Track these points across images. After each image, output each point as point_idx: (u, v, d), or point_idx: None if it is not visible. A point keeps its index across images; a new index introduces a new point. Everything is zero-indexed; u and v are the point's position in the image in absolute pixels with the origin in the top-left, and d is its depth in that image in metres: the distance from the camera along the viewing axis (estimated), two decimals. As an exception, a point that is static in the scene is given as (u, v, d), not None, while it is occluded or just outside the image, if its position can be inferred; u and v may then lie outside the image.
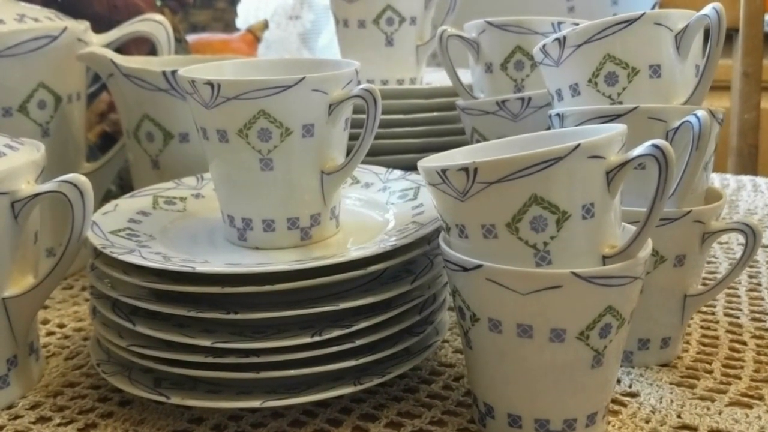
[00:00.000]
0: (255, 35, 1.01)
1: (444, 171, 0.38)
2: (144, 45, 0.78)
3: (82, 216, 0.44)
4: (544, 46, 0.49)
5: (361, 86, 0.44)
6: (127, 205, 0.51)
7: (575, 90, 0.48)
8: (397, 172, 0.56)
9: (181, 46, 0.81)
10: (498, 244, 0.37)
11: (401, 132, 0.66)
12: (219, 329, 0.42)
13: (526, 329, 0.37)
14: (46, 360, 0.51)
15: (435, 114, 0.67)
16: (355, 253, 0.41)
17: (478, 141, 0.60)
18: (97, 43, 0.66)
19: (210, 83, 0.43)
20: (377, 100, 0.44)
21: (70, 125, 0.65)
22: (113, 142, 0.81)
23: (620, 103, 0.47)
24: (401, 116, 0.66)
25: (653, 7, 0.83)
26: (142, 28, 0.68)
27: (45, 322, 0.57)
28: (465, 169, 0.37)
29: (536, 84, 0.58)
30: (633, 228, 0.39)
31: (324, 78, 0.44)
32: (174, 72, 0.58)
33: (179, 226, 0.50)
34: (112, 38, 0.67)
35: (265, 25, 1.03)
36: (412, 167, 0.66)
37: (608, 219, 0.38)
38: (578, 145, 0.36)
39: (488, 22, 0.58)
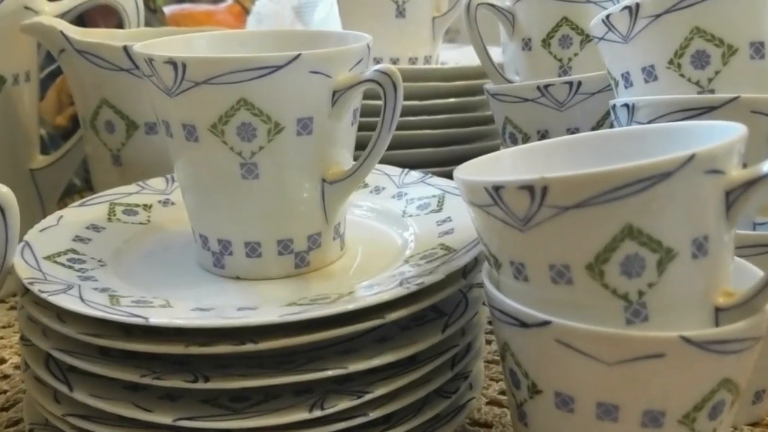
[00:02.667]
0: (243, 6, 0.90)
1: (497, 189, 0.27)
2: (112, 16, 0.66)
3: (4, 239, 0.33)
4: (608, 16, 0.38)
5: (376, 67, 0.33)
6: (74, 216, 0.40)
7: (650, 73, 0.37)
8: (415, 174, 0.45)
9: (156, 17, 0.69)
10: (573, 292, 0.27)
11: (416, 121, 0.55)
12: (185, 395, 0.31)
13: (610, 410, 0.27)
14: (-26, 412, 0.41)
15: (456, 100, 0.56)
16: (368, 296, 0.30)
17: (511, 134, 0.49)
18: (50, 12, 0.54)
19: (172, 62, 0.32)
20: (397, 86, 0.33)
21: (17, 111, 0.54)
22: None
23: (712, 91, 0.36)
24: (416, 102, 0.55)
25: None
26: (104, -6, 0.56)
27: (-20, 356, 0.46)
28: (529, 187, 0.26)
29: (586, 65, 0.47)
30: (748, 265, 0.29)
31: (326, 55, 0.33)
32: (138, 47, 0.46)
33: (139, 246, 0.39)
34: (68, 7, 0.55)
35: (255, -5, 0.91)
36: (428, 164, 0.55)
37: (724, 257, 0.27)
38: (693, 156, 0.25)
39: (527, -12, 0.47)
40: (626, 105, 0.37)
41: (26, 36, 0.52)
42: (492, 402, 0.41)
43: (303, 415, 0.29)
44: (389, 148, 0.44)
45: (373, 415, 0.30)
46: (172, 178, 0.45)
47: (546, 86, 0.46)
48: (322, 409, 0.30)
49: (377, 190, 0.44)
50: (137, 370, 0.30)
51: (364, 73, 0.33)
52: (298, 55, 0.32)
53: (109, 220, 0.41)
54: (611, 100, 0.39)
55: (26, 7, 0.52)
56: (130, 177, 0.49)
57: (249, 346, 0.29)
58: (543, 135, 0.47)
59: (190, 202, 0.36)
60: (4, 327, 0.50)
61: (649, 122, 0.36)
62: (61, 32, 0.48)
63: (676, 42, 0.36)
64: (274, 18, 1.41)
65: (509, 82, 0.50)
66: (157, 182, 0.45)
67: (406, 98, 0.54)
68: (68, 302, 0.30)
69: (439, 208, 0.41)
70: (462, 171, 0.30)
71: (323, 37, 0.40)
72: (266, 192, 0.34)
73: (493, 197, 0.27)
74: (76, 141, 0.58)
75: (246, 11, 0.90)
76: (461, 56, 0.68)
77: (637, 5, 0.36)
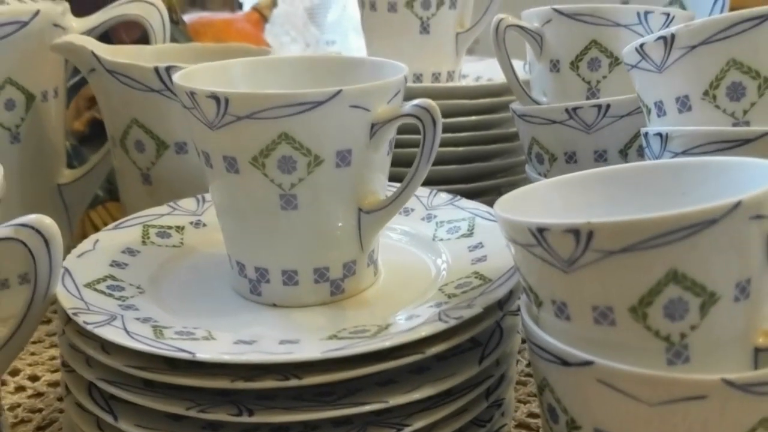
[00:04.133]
0: (262, 14, 0.90)
1: (541, 231, 0.27)
2: (135, 28, 0.67)
3: (48, 270, 0.33)
4: (642, 46, 0.38)
5: (415, 102, 0.33)
6: (110, 239, 0.41)
7: (684, 104, 0.37)
8: (443, 196, 0.45)
9: (178, 28, 0.69)
10: (615, 333, 0.27)
11: (441, 138, 0.55)
12: (226, 425, 0.31)
13: (650, 449, 0.27)
14: (13, 430, 0.41)
15: (479, 117, 0.57)
16: (407, 330, 0.31)
17: (538, 154, 0.49)
18: (78, 29, 0.55)
19: (215, 96, 0.32)
20: (436, 121, 0.33)
21: (45, 127, 0.54)
22: (103, 130, 0.71)
23: (747, 123, 0.36)
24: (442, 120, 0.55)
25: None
26: (131, 11, 0.57)
27: (14, 372, 0.47)
28: (575, 231, 0.26)
29: (615, 87, 0.47)
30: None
31: (365, 90, 0.33)
32: (169, 69, 0.47)
33: (174, 271, 0.39)
34: (96, 23, 0.56)
35: (273, 3, 0.92)
36: (452, 180, 0.55)
37: (764, 298, 0.28)
38: (739, 203, 0.25)
39: (556, 10, 0.47)
40: (659, 134, 0.37)
41: (55, 53, 0.53)
42: (521, 425, 0.41)
43: (346, 449, 0.30)
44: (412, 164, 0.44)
45: (413, 446, 0.31)
46: (203, 198, 0.46)
47: (574, 109, 0.46)
48: (364, 442, 0.30)
49: (406, 211, 0.44)
50: (183, 403, 0.30)
51: (404, 107, 0.33)
52: (339, 90, 0.32)
53: (144, 243, 0.41)
54: (643, 127, 0.40)
55: (55, 24, 0.53)
56: (159, 195, 0.50)
57: (293, 382, 0.29)
58: (570, 156, 0.48)
59: (228, 229, 0.37)
60: (35, 342, 0.51)
61: (683, 152, 0.37)
62: (92, 52, 0.49)
63: (712, 73, 0.36)
64: (287, 19, 1.41)
65: (536, 102, 0.50)
66: (188, 203, 0.46)
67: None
68: (114, 335, 0.31)
69: (470, 232, 0.41)
70: (501, 206, 0.31)
71: (356, 64, 0.40)
72: (304, 222, 0.35)
73: (536, 238, 0.27)
74: (102, 156, 0.58)
75: (264, 19, 0.90)
76: (483, 69, 0.68)
77: (673, 36, 0.37)
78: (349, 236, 0.36)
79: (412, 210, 0.44)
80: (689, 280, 0.26)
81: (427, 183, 0.45)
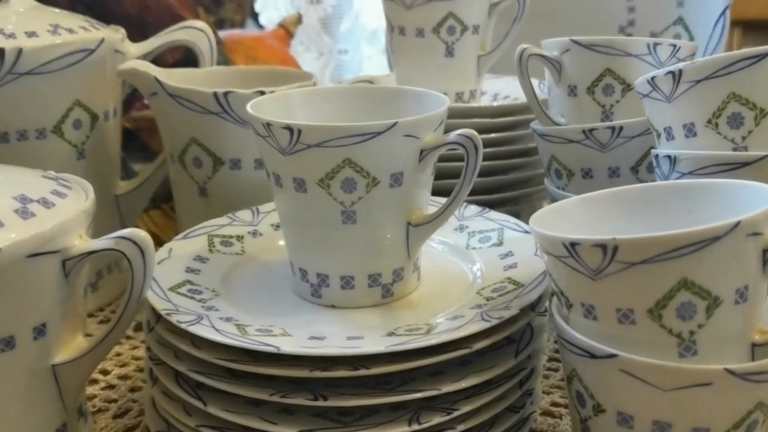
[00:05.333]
0: (287, 30, 0.95)
1: (574, 245, 0.33)
2: (177, 50, 0.72)
3: (143, 277, 0.38)
4: (653, 78, 0.44)
5: (460, 132, 0.39)
6: (181, 248, 0.46)
7: (690, 130, 0.43)
8: (473, 208, 0.51)
9: (219, 49, 0.75)
10: (635, 330, 0.32)
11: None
12: (299, 410, 0.37)
13: (664, 427, 0.32)
14: (93, 418, 0.46)
15: (500, 134, 0.62)
16: (456, 328, 0.36)
17: (557, 170, 0.54)
18: (135, 54, 0.60)
19: (289, 128, 0.38)
20: (478, 149, 0.39)
21: (106, 144, 0.59)
22: (133, 138, 0.76)
23: (745, 148, 0.42)
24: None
25: (723, 12, 0.78)
26: (182, 36, 0.62)
27: (85, 367, 0.52)
28: (602, 245, 0.32)
29: (626, 111, 0.52)
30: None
31: (417, 122, 0.39)
32: (227, 94, 0.52)
33: (241, 276, 0.45)
34: (150, 48, 0.61)
35: (298, 20, 0.97)
36: (475, 191, 0.61)
37: (759, 301, 0.33)
38: (738, 223, 0.31)
39: (574, 41, 0.53)
40: (668, 156, 0.43)
41: (116, 77, 0.58)
42: (545, 413, 0.46)
43: (404, 429, 0.35)
44: (439, 177, 0.50)
45: (460, 428, 0.36)
46: (257, 210, 0.51)
47: (590, 130, 0.51)
48: (419, 423, 0.35)
49: (441, 222, 0.49)
50: (266, 390, 0.35)
51: (450, 136, 0.39)
52: (396, 123, 0.38)
53: (210, 251, 0.47)
54: (652, 148, 0.45)
55: (116, 50, 0.58)
56: (215, 206, 0.55)
57: (361, 371, 0.34)
58: (586, 172, 0.53)
59: (292, 240, 0.42)
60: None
61: (690, 173, 0.42)
62: (155, 78, 0.54)
63: (714, 104, 0.42)
64: (301, 29, 1.46)
65: (554, 122, 0.55)
66: (244, 214, 0.51)
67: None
68: (206, 332, 0.36)
69: (500, 242, 0.47)
70: (536, 221, 0.36)
71: (400, 93, 0.45)
72: (361, 234, 0.40)
73: (569, 251, 0.33)
74: (155, 168, 0.64)
75: (290, 35, 0.95)
76: (501, 87, 0.73)
77: (680, 71, 0.42)
78: (399, 246, 0.41)
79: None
80: (697, 286, 0.31)
81: (447, 194, 0.50)
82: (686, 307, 0.31)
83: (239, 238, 0.49)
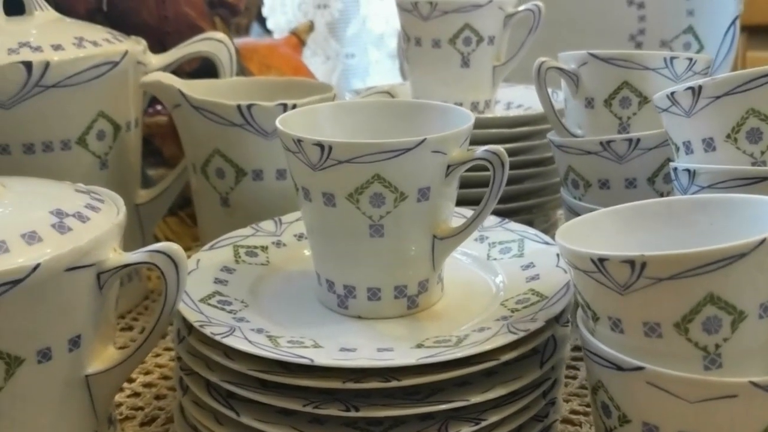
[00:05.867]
0: (300, 38, 0.96)
1: (602, 261, 0.33)
2: (194, 60, 0.73)
3: (176, 290, 0.39)
4: (673, 93, 0.44)
5: (487, 149, 0.39)
6: (208, 259, 0.47)
7: (709, 145, 0.44)
8: (493, 219, 0.51)
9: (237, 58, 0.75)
10: (661, 344, 0.33)
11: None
12: (330, 419, 0.38)
13: (689, 438, 0.33)
14: (121, 426, 0.47)
15: (518, 145, 0.63)
16: (485, 340, 0.37)
17: (573, 180, 0.55)
18: (156, 65, 0.61)
19: (320, 145, 0.39)
20: (505, 165, 0.39)
21: (128, 154, 0.60)
22: (145, 144, 0.77)
23: (763, 163, 0.42)
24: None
25: (733, 21, 0.78)
26: (202, 48, 0.63)
27: (110, 374, 0.53)
28: (631, 262, 0.32)
29: (643, 123, 0.53)
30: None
31: (444, 138, 0.40)
32: (250, 107, 0.53)
33: (267, 287, 0.45)
34: (172, 59, 0.62)
35: (311, 28, 0.98)
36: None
37: (782, 315, 0.34)
38: (763, 240, 0.32)
39: (591, 54, 0.53)
40: (687, 170, 0.44)
41: (137, 88, 0.59)
42: (565, 420, 0.47)
43: (434, 439, 0.36)
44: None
45: (488, 437, 0.37)
46: (279, 221, 0.52)
47: (608, 142, 0.52)
48: (448, 432, 0.36)
49: (461, 233, 0.50)
50: (299, 400, 0.36)
51: (477, 152, 0.40)
52: (424, 139, 0.38)
53: (237, 261, 0.47)
54: (671, 161, 0.46)
55: (138, 62, 0.59)
56: (237, 217, 0.56)
57: (393, 383, 0.35)
58: (603, 183, 0.54)
59: (319, 252, 0.43)
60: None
61: (709, 187, 0.43)
62: (179, 91, 0.55)
63: (733, 120, 0.42)
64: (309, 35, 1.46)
65: (571, 133, 0.56)
66: (267, 225, 0.52)
67: (474, 143, 0.61)
68: (240, 344, 0.37)
69: (521, 253, 0.47)
70: (562, 235, 0.37)
71: (424, 108, 0.46)
72: (388, 247, 0.41)
73: (597, 266, 0.34)
74: (175, 178, 0.65)
75: (302, 42, 0.96)
76: (515, 95, 0.74)
77: (700, 87, 0.43)
78: (424, 259, 0.42)
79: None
80: (723, 301, 0.32)
81: (469, 203, 0.51)
82: (712, 321, 0.32)
83: (264, 248, 0.49)
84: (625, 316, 0.34)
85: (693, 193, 0.44)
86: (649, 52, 0.52)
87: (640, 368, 0.33)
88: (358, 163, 0.38)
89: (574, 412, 0.48)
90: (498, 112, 0.71)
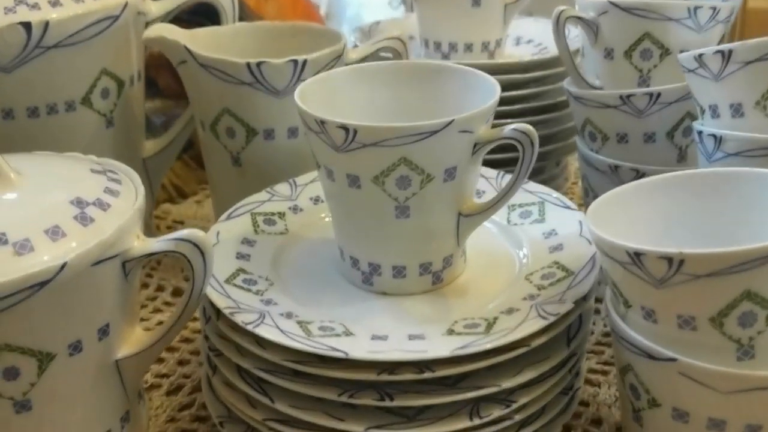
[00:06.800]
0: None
1: (639, 255, 0.33)
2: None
3: (203, 277, 0.39)
4: (701, 55, 0.43)
5: (516, 127, 0.38)
6: (227, 231, 0.46)
7: (737, 110, 0.43)
8: (511, 178, 0.51)
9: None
10: (695, 335, 0.34)
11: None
12: (363, 405, 0.38)
13: (719, 423, 0.34)
14: (148, 395, 0.48)
15: (531, 90, 0.61)
16: (515, 326, 0.37)
17: (591, 132, 0.54)
18: (157, 13, 0.58)
19: (345, 128, 0.37)
20: (534, 144, 0.38)
21: (133, 108, 0.59)
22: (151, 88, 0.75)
23: (794, 131, 0.42)
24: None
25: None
26: (203, -7, 0.60)
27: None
28: (668, 258, 0.32)
29: (664, 76, 0.52)
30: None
31: (472, 117, 0.38)
32: (260, 64, 0.51)
33: (289, 260, 0.45)
34: (172, 6, 0.59)
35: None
36: (502, 148, 0.61)
37: (815, 303, 0.34)
38: (802, 239, 0.31)
39: (612, 3, 0.51)
40: (714, 136, 0.43)
41: (139, 39, 0.57)
42: (584, 381, 0.48)
43: (466, 423, 0.37)
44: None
45: (518, 417, 0.38)
46: (294, 183, 0.51)
47: (628, 96, 0.51)
48: (480, 417, 0.37)
49: (478, 194, 0.50)
50: (335, 389, 0.37)
51: (505, 131, 0.39)
52: (452, 120, 0.37)
53: (256, 232, 0.47)
54: (697, 125, 0.45)
55: (138, 12, 0.56)
56: (249, 176, 0.55)
57: (427, 374, 0.36)
58: (621, 137, 0.53)
59: (343, 230, 0.42)
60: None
61: (735, 154, 0.42)
62: (185, 47, 0.53)
63: (764, 86, 0.41)
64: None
65: (589, 84, 0.55)
66: (282, 188, 0.51)
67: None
68: (272, 334, 0.37)
69: (542, 218, 0.47)
70: (593, 217, 0.36)
71: (445, 71, 0.45)
72: (414, 227, 0.40)
73: (633, 259, 0.33)
74: (181, 128, 0.63)
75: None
76: (523, 30, 0.71)
77: (730, 51, 0.42)
78: (449, 235, 0.42)
79: (483, 192, 0.50)
80: (759, 297, 0.32)
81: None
82: (747, 315, 0.32)
83: (281, 215, 0.49)
84: (659, 308, 0.34)
85: (718, 159, 0.43)
86: (672, 2, 0.50)
87: (673, 359, 0.34)
88: (384, 147, 0.37)
89: (591, 370, 0.49)
90: (508, 49, 0.69)
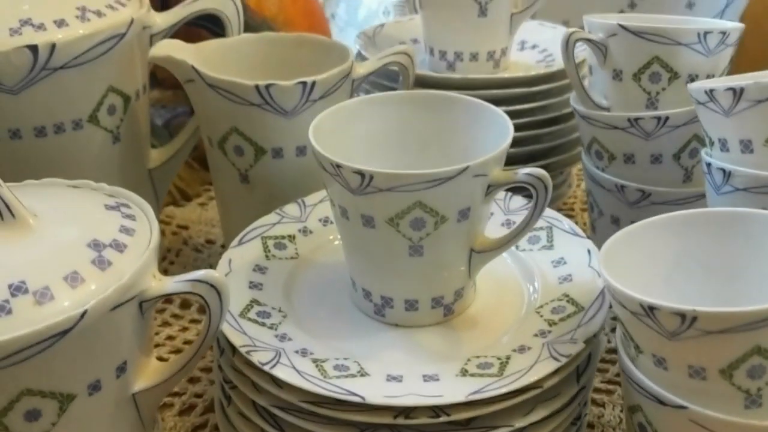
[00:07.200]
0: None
1: (652, 309, 0.34)
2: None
3: (219, 315, 0.39)
4: (712, 90, 0.43)
5: (530, 172, 0.39)
6: (239, 257, 0.47)
7: (747, 146, 0.43)
8: (518, 200, 0.51)
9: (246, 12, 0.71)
10: (705, 384, 0.34)
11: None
12: (378, 440, 0.39)
13: (725, 466, 0.35)
14: (161, 415, 0.49)
15: (537, 104, 0.61)
16: (528, 368, 0.38)
17: (597, 151, 0.55)
18: (162, 25, 0.58)
19: (361, 173, 0.38)
20: (548, 188, 0.39)
21: (139, 122, 0.58)
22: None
23: (802, 170, 0.42)
24: (504, 108, 0.60)
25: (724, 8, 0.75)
26: (208, 4, 0.59)
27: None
28: (682, 314, 0.33)
29: (672, 99, 0.52)
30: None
31: (486, 162, 0.39)
32: (268, 86, 0.51)
33: (300, 289, 0.46)
34: (176, 18, 0.59)
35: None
36: (508, 161, 0.61)
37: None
38: (814, 298, 0.32)
39: (622, 26, 0.51)
40: (723, 170, 0.43)
41: (144, 53, 0.56)
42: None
43: (481, 461, 0.38)
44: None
45: (528, 452, 0.39)
46: (303, 203, 0.52)
47: (636, 119, 0.51)
48: (493, 455, 0.38)
49: (486, 215, 0.50)
50: (351, 429, 0.37)
51: (519, 174, 0.39)
52: (467, 166, 0.38)
53: (267, 257, 0.47)
54: (706, 156, 0.45)
55: (144, 27, 0.56)
56: (258, 194, 0.55)
57: (443, 418, 0.36)
58: (628, 157, 0.53)
59: (356, 264, 0.43)
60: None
61: (744, 189, 0.43)
62: (193, 67, 0.52)
63: (774, 125, 0.42)
64: None
65: (596, 104, 0.55)
66: (292, 209, 0.51)
67: (492, 101, 0.60)
68: (289, 376, 0.37)
69: (550, 244, 0.48)
70: (606, 258, 0.37)
71: (454, 102, 0.45)
72: (427, 264, 0.41)
73: (646, 312, 0.34)
74: (187, 138, 0.63)
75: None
76: (526, 34, 0.71)
77: (742, 89, 0.42)
78: (461, 270, 0.42)
79: (492, 214, 0.50)
80: (769, 352, 0.33)
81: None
82: (756, 368, 0.33)
83: (291, 238, 0.49)
84: (670, 357, 0.35)
85: (726, 192, 0.44)
86: (682, 27, 0.50)
87: (683, 407, 0.35)
88: (400, 192, 0.38)
89: (596, 389, 0.50)
90: (512, 54, 0.68)
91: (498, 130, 0.42)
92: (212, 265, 0.64)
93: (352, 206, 0.40)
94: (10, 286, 0.35)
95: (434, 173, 0.37)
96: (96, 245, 0.38)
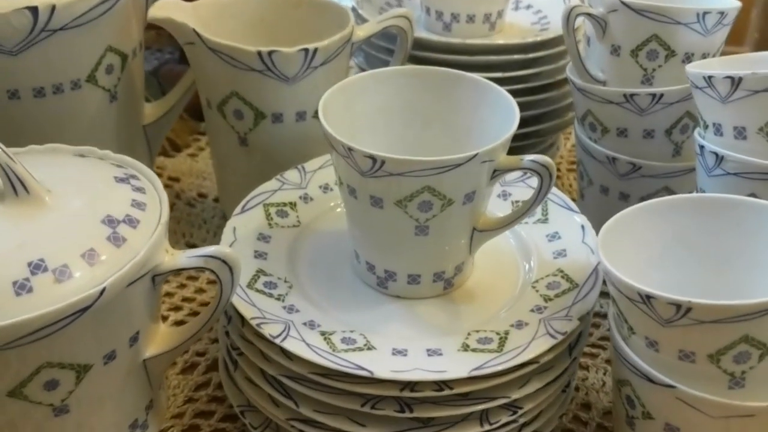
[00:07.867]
0: None
1: (649, 297, 0.36)
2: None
3: (230, 290, 0.41)
4: (710, 77, 0.45)
5: (536, 159, 0.40)
6: (243, 226, 0.48)
7: (741, 133, 0.45)
8: (515, 173, 0.52)
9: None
10: (693, 367, 0.37)
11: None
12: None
13: (707, 440, 0.38)
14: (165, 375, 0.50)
15: (531, 71, 0.62)
16: (527, 343, 0.40)
17: (591, 123, 0.56)
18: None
19: (372, 158, 0.39)
20: (552, 175, 0.40)
21: (134, 79, 0.58)
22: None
23: (792, 160, 0.44)
24: (499, 74, 0.61)
25: None
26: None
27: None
28: (677, 305, 0.35)
29: (667, 76, 0.53)
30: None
31: (494, 148, 0.40)
32: (271, 53, 0.51)
33: (304, 258, 0.47)
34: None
35: None
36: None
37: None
38: (799, 294, 0.34)
39: (623, 3, 0.52)
40: (716, 154, 0.45)
41: (141, 11, 0.56)
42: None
43: (477, 429, 0.40)
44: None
45: (522, 420, 0.41)
46: (303, 169, 0.52)
47: (632, 95, 0.53)
48: (489, 423, 0.40)
49: (483, 186, 0.51)
50: (359, 399, 0.39)
51: (524, 161, 0.40)
52: (476, 154, 0.39)
53: (270, 225, 0.48)
54: (699, 138, 0.47)
55: (141, -15, 0.55)
56: (256, 157, 0.56)
57: (446, 392, 0.39)
58: (621, 131, 0.55)
59: (360, 240, 0.44)
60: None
61: (734, 174, 0.44)
62: (194, 30, 0.52)
63: (768, 114, 0.43)
64: None
65: (593, 77, 0.56)
66: (292, 175, 0.52)
67: (487, 68, 0.60)
68: (299, 349, 0.39)
69: (545, 218, 0.49)
70: (603, 244, 0.39)
71: (459, 79, 0.46)
72: (431, 243, 0.42)
73: (643, 300, 0.36)
74: (181, 94, 0.63)
75: None
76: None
77: (740, 79, 0.43)
78: (463, 247, 0.44)
79: (490, 189, 0.51)
80: (756, 340, 0.35)
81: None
82: (743, 354, 0.36)
83: (292, 205, 0.50)
84: (662, 341, 0.37)
85: (717, 176, 0.45)
86: (683, 7, 0.51)
87: (671, 386, 0.37)
88: (410, 177, 0.39)
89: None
90: (508, 17, 0.68)
91: (502, 111, 0.43)
92: (206, 220, 0.65)
93: (362, 187, 0.41)
94: (29, 264, 0.36)
95: (445, 160, 0.38)
96: (110, 221, 0.39)
